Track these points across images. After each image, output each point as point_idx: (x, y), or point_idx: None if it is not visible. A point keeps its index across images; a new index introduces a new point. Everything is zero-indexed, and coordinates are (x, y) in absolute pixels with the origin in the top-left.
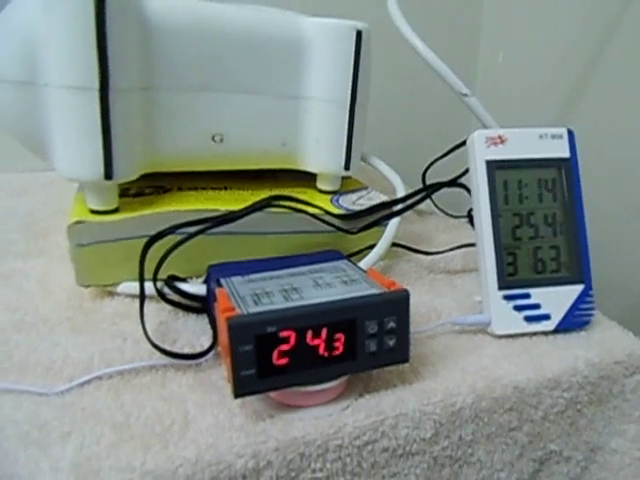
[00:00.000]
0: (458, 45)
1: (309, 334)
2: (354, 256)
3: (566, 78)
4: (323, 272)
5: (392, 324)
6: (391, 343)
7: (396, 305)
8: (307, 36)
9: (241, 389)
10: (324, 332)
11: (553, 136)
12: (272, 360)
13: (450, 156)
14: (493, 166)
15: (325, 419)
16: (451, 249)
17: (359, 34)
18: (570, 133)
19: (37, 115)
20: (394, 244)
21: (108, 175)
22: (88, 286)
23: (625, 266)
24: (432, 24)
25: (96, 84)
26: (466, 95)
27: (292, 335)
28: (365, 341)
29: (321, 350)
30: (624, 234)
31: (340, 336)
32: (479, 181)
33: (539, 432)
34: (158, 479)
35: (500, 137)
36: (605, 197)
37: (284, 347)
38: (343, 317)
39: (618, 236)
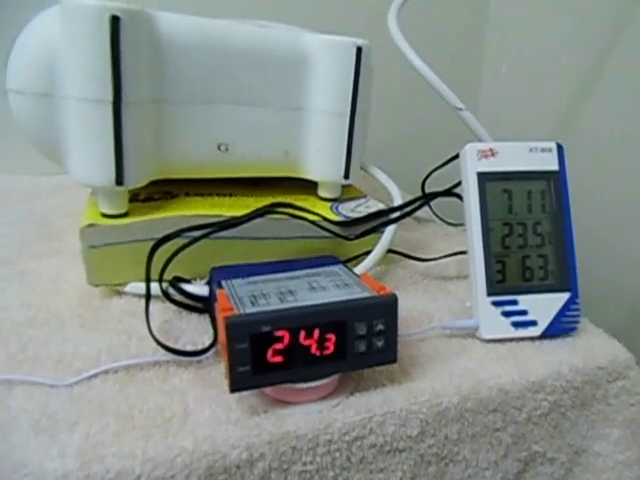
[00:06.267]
0: (462, 56)
1: (302, 334)
2: (351, 261)
3: (570, 89)
4: (319, 276)
5: (381, 326)
6: (379, 344)
7: (385, 308)
8: (310, 52)
9: (237, 384)
10: (316, 332)
11: (543, 149)
12: (267, 358)
13: (452, 165)
14: (484, 178)
15: (316, 415)
16: (445, 256)
17: (359, 50)
18: (559, 147)
19: (54, 125)
20: (390, 251)
21: (119, 181)
22: (98, 285)
23: (618, 275)
24: (437, 35)
25: (110, 97)
26: (460, 109)
27: (286, 334)
28: (355, 342)
29: (313, 349)
30: (618, 244)
31: (331, 336)
32: (470, 192)
33: (523, 433)
34: (157, 467)
35: (491, 150)
36: (605, 209)
37: (278, 346)
38: (334, 319)
39: (612, 246)
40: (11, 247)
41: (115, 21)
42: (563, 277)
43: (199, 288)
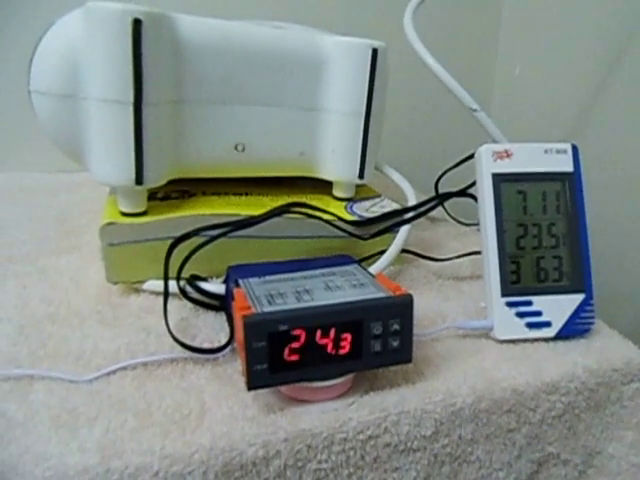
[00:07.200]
0: (475, 57)
1: (318, 333)
2: (366, 261)
3: (583, 90)
4: (334, 275)
5: (396, 326)
6: (395, 344)
7: (400, 308)
8: (326, 53)
9: (254, 382)
10: (332, 332)
11: (558, 151)
12: (283, 356)
13: (465, 166)
14: (499, 179)
15: (331, 413)
16: (459, 256)
17: (375, 52)
18: (574, 148)
19: (76, 125)
20: (404, 250)
21: (139, 181)
22: (117, 283)
23: (633, 277)
24: (450, 36)
25: (131, 98)
26: (475, 110)
27: (302, 334)
28: (370, 341)
29: (329, 348)
30: (634, 246)
31: (347, 336)
32: (485, 193)
33: (537, 434)
34: (175, 463)
35: (506, 151)
36: (619, 210)
37: (295, 345)
38: (350, 318)
39: (627, 248)
40: (32, 244)
41: (137, 24)
42: (578, 278)
43: (216, 286)
